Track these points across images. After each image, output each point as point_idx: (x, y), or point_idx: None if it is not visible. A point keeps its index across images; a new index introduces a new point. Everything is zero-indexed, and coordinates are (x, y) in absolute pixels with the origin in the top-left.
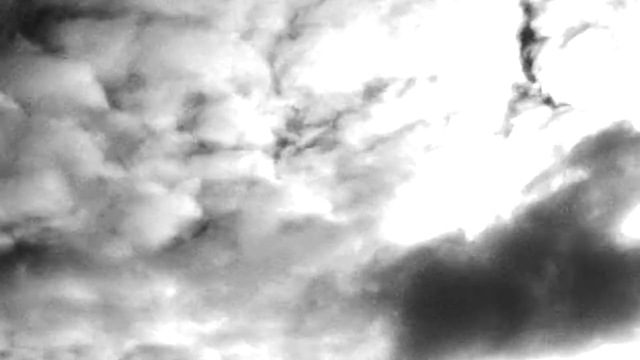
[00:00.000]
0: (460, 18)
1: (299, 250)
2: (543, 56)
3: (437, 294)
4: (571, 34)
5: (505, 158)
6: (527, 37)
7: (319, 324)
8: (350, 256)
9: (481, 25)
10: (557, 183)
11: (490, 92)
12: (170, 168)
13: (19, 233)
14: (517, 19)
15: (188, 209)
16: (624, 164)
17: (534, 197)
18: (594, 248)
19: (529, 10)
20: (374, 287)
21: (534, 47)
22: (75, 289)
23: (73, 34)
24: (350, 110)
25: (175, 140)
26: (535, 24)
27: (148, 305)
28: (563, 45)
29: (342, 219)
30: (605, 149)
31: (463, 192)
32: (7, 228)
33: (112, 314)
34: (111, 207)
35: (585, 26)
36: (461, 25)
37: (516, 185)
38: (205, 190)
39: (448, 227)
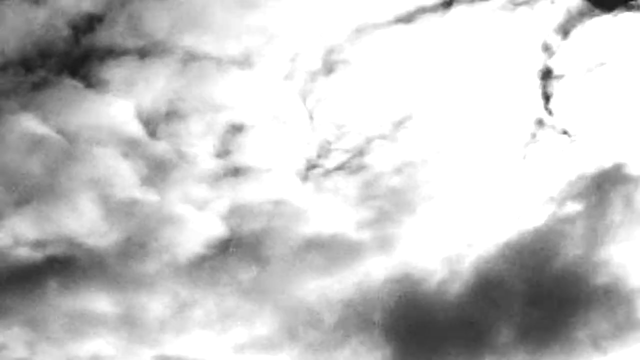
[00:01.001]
0: (486, 55)
1: (321, 267)
2: (560, 91)
3: (456, 309)
4: (586, 71)
5: (523, 181)
6: (546, 75)
7: (340, 337)
8: (371, 272)
9: (505, 63)
10: (569, 207)
11: (512, 122)
12: (201, 191)
13: (51, 249)
14: (538, 59)
15: (216, 228)
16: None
17: (547, 218)
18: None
19: (548, 50)
20: (394, 304)
21: (552, 84)
22: (99, 302)
23: (116, 72)
24: (377, 137)
25: (208, 165)
26: (553, 63)
27: (171, 317)
28: (579, 82)
29: (365, 236)
30: (611, 181)
31: (481, 212)
32: (40, 245)
33: (134, 326)
34: (142, 227)
35: (600, 64)
36: (487, 61)
37: (531, 206)
38: (233, 211)
39: (465, 246)
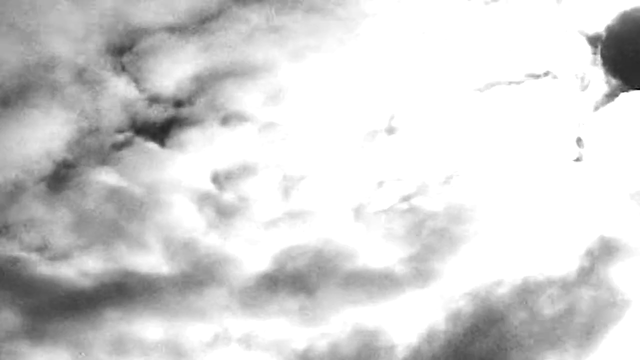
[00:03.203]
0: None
1: (364, 298)
2: None
3: (498, 345)
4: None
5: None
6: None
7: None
8: (413, 304)
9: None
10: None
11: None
12: (257, 232)
13: (108, 279)
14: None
15: (267, 265)
16: None
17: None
18: None
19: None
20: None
21: None
22: (148, 329)
23: (193, 136)
24: (428, 182)
25: (267, 211)
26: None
27: (216, 344)
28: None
29: (407, 271)
30: None
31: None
32: (100, 276)
33: (180, 352)
34: (199, 263)
35: None
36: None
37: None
38: (285, 249)
39: (513, 277)
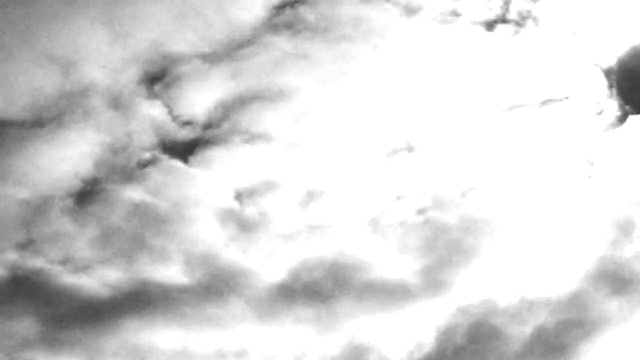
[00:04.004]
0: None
1: (378, 307)
2: None
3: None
4: None
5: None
6: None
7: None
8: (426, 314)
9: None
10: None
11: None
12: (275, 245)
13: (126, 288)
14: None
15: (284, 276)
16: None
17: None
18: None
19: None
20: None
21: None
22: (164, 337)
23: (217, 155)
24: (443, 197)
25: (286, 224)
26: None
27: (231, 351)
28: None
29: (421, 282)
30: None
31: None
32: (120, 286)
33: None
34: (218, 274)
35: None
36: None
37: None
38: (301, 260)
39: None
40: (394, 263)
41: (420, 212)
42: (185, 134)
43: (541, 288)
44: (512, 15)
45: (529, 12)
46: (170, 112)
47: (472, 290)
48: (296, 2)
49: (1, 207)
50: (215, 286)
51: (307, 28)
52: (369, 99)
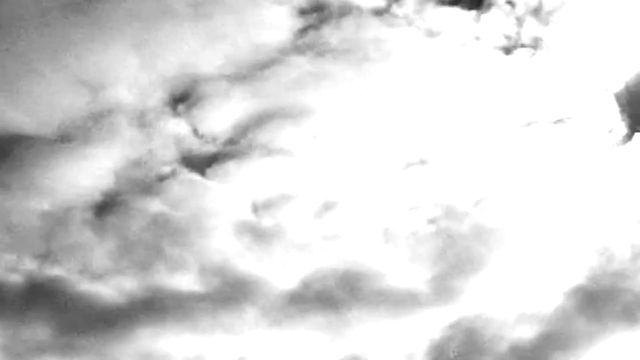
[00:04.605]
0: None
1: (390, 314)
2: None
3: None
4: None
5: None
6: None
7: None
8: (435, 320)
9: None
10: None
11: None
12: (290, 255)
13: (140, 295)
14: None
15: (298, 284)
16: None
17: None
18: None
19: None
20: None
21: None
22: (176, 343)
23: (234, 168)
24: (455, 208)
25: (301, 235)
26: None
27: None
28: None
29: (431, 290)
30: None
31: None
32: (135, 294)
33: None
34: (232, 282)
35: None
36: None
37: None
38: (314, 269)
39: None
40: (405, 272)
41: (432, 222)
42: (204, 149)
43: (547, 295)
44: (526, 40)
45: (539, 38)
46: (193, 129)
47: (480, 298)
48: (320, 23)
49: (23, 218)
50: (230, 294)
51: (329, 49)
52: (384, 115)
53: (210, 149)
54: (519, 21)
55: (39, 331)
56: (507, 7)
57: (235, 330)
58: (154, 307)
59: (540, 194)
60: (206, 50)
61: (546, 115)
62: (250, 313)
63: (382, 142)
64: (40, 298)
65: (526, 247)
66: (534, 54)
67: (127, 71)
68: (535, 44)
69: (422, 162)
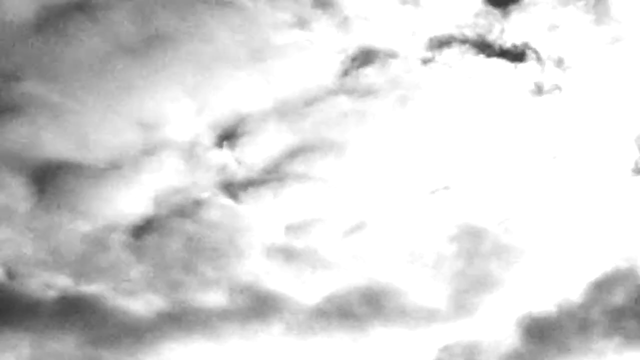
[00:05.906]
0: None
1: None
2: None
3: None
4: None
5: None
6: None
7: None
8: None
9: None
10: None
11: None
12: (315, 273)
13: (171, 312)
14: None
15: (321, 301)
16: None
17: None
18: None
19: None
20: None
21: None
22: (196, 352)
23: (267, 195)
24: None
25: (330, 255)
26: None
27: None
28: None
29: (452, 307)
30: None
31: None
32: (163, 310)
33: None
34: (256, 297)
35: None
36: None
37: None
38: (338, 288)
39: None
40: (427, 289)
41: (453, 242)
42: (241, 176)
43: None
44: (550, 85)
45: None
46: (234, 159)
47: (501, 314)
48: (365, 66)
49: (64, 239)
50: (258, 310)
51: (371, 90)
52: (410, 147)
53: (246, 176)
54: (544, 68)
55: (70, 345)
56: (534, 55)
57: (262, 345)
58: (183, 322)
59: (558, 220)
60: (256, 91)
61: (566, 149)
62: (277, 327)
63: (410, 170)
64: (72, 313)
65: (544, 266)
66: (558, 98)
67: (179, 114)
68: (559, 89)
69: (446, 188)
